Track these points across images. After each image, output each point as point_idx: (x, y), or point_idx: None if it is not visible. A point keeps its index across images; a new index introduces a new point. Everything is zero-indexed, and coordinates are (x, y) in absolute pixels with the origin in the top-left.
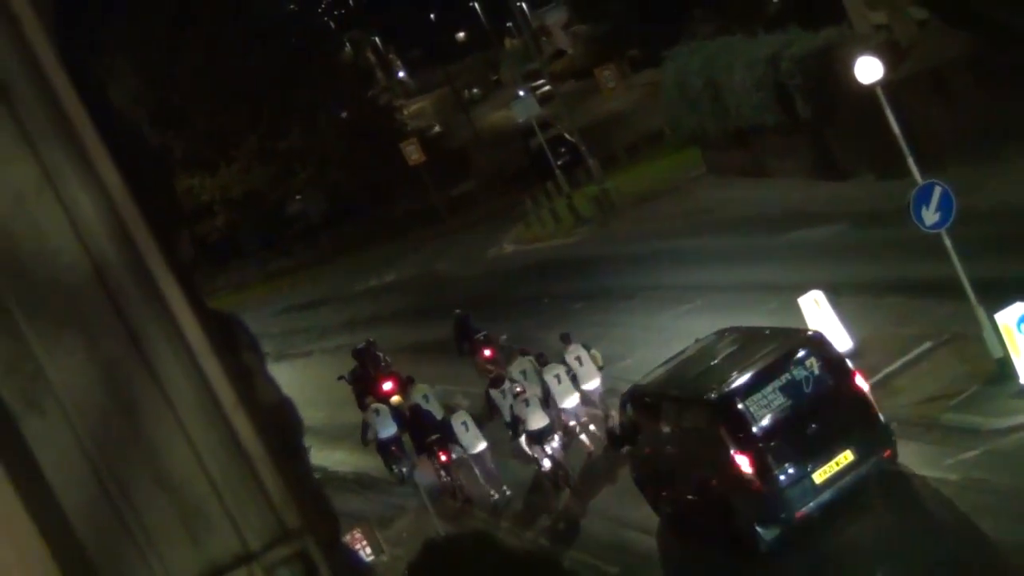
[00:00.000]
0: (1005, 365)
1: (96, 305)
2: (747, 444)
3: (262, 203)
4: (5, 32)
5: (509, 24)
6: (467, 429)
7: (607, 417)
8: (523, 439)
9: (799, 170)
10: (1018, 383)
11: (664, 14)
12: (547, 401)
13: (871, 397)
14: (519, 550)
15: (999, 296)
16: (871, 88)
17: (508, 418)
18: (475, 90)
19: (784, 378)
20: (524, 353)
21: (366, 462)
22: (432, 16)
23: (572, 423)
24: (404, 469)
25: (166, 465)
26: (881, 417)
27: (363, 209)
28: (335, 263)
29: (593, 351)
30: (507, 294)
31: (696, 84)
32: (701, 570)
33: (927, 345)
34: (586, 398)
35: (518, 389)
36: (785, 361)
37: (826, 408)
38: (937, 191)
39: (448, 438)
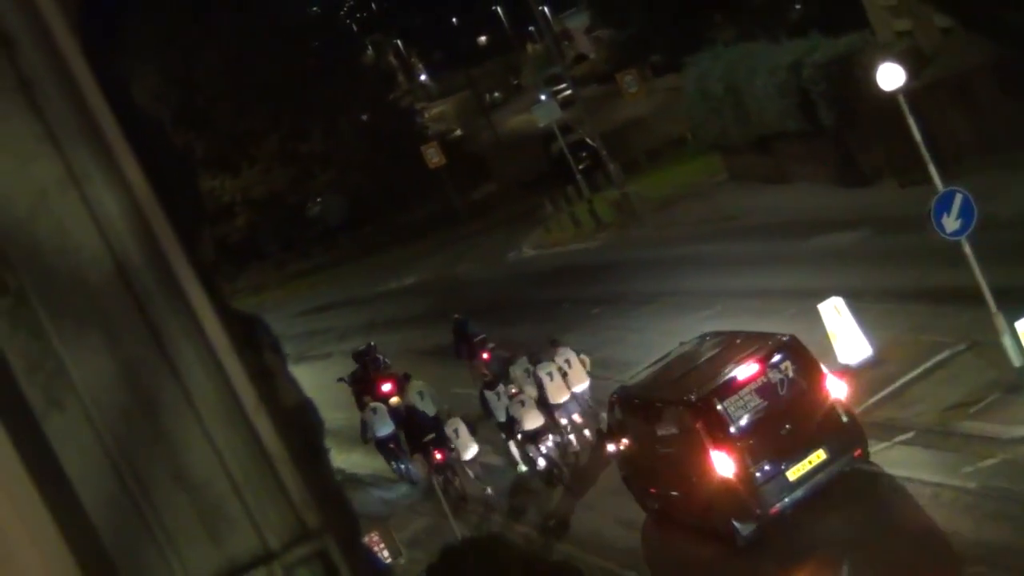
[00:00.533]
0: None
1: (118, 303)
2: (725, 443)
3: (283, 205)
4: (29, 28)
5: (531, 28)
6: (458, 435)
7: (596, 418)
8: (517, 440)
9: (820, 176)
10: None
11: (686, 19)
12: (542, 400)
13: (844, 399)
14: (536, 554)
15: (1019, 304)
16: (893, 95)
17: (502, 419)
18: (496, 94)
19: (760, 380)
20: (508, 362)
21: (384, 464)
22: (454, 20)
23: (565, 421)
24: (403, 466)
25: (186, 463)
26: (851, 418)
27: (383, 212)
28: (355, 265)
29: (582, 355)
30: (526, 298)
31: (718, 90)
32: (684, 563)
33: (947, 352)
34: (577, 400)
35: (513, 391)
36: (762, 364)
37: (800, 409)
38: (958, 198)
39: (442, 438)
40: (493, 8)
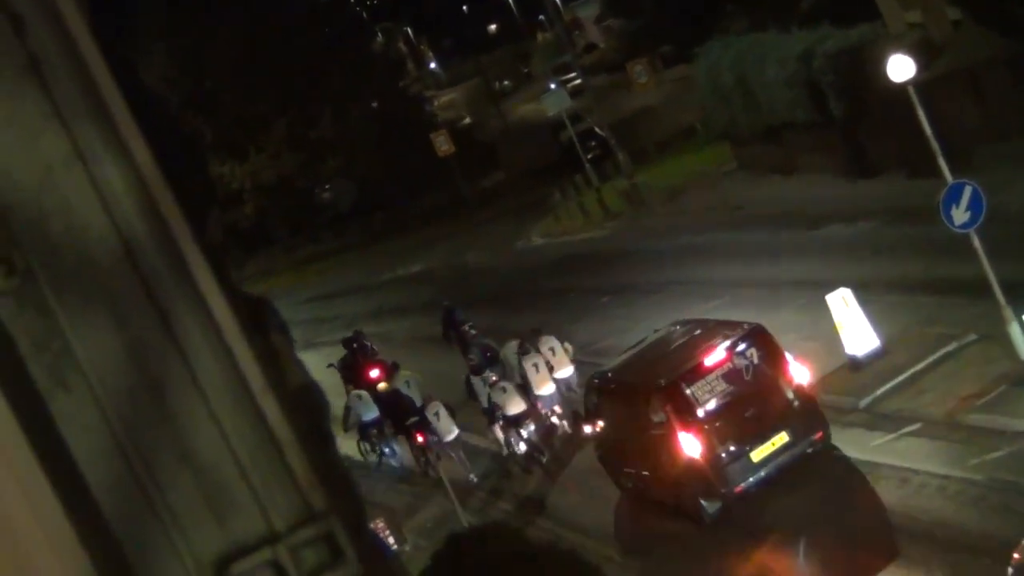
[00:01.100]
0: None
1: (125, 283)
2: (692, 425)
3: (291, 191)
4: (39, 6)
5: (541, 17)
6: (439, 419)
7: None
8: (499, 425)
9: (830, 167)
10: None
11: (697, 9)
12: (525, 387)
13: (806, 384)
14: (543, 542)
15: None
16: (903, 87)
17: (486, 404)
18: (506, 82)
19: (727, 367)
20: (488, 349)
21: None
22: (464, 8)
23: (546, 411)
24: (387, 449)
25: (193, 444)
26: (813, 403)
27: (392, 199)
28: (363, 252)
29: (566, 344)
30: (534, 287)
31: (728, 80)
32: (654, 538)
33: (954, 344)
34: (560, 387)
35: (493, 379)
36: (728, 351)
37: (764, 394)
38: (967, 191)
39: (425, 421)
40: None
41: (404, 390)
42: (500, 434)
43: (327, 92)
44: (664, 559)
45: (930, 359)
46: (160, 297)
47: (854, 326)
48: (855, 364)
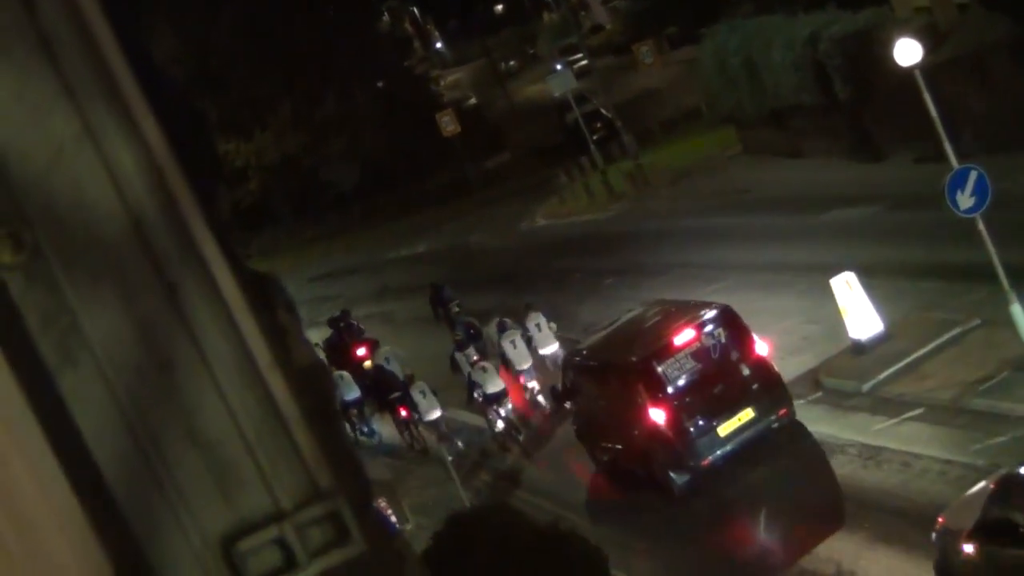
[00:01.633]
0: None
1: (133, 260)
2: (662, 401)
3: (296, 170)
4: None
5: None
6: (424, 396)
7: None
8: (477, 403)
9: (835, 151)
10: None
11: None
12: (506, 365)
13: (771, 363)
14: (543, 522)
15: None
16: (910, 71)
17: (468, 380)
18: (512, 63)
19: (696, 346)
20: (471, 327)
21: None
22: None
23: (531, 384)
24: (366, 428)
25: (200, 422)
26: (778, 380)
27: (397, 179)
28: (367, 232)
29: (551, 323)
30: (539, 267)
31: (734, 62)
32: (627, 508)
33: (958, 329)
34: (544, 362)
35: (475, 358)
36: (697, 331)
37: (731, 372)
38: (973, 175)
39: (407, 396)
40: None
41: (386, 365)
42: (479, 411)
43: (332, 71)
44: (635, 528)
45: (934, 344)
46: (168, 274)
47: (858, 310)
48: (858, 348)
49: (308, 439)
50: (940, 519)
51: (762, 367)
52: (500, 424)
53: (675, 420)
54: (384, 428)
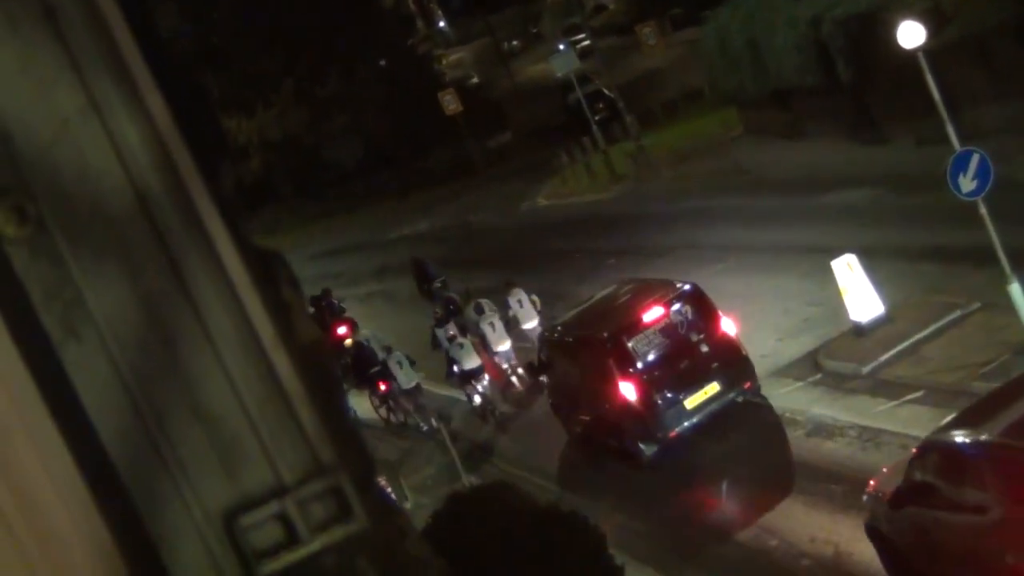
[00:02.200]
0: None
1: (138, 234)
2: (632, 375)
3: (298, 148)
4: None
5: None
6: (401, 367)
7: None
8: (456, 378)
9: (837, 133)
10: None
11: None
12: (484, 345)
13: (736, 339)
14: (542, 501)
15: None
16: (913, 53)
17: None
18: (515, 42)
19: (664, 322)
20: (451, 302)
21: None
22: None
23: (505, 365)
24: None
25: (203, 397)
26: (742, 355)
27: (399, 157)
28: (369, 210)
29: (533, 296)
30: (540, 247)
31: (736, 43)
32: (599, 478)
33: (958, 312)
34: (525, 336)
35: (451, 333)
36: (666, 308)
37: (697, 347)
38: (975, 158)
39: (386, 369)
40: None
41: (365, 344)
42: (458, 384)
43: (335, 50)
44: (605, 496)
45: (934, 327)
46: (173, 249)
47: (859, 292)
48: (859, 330)
49: (311, 415)
50: (871, 482)
51: (727, 343)
52: (477, 399)
53: (644, 393)
54: (361, 404)
